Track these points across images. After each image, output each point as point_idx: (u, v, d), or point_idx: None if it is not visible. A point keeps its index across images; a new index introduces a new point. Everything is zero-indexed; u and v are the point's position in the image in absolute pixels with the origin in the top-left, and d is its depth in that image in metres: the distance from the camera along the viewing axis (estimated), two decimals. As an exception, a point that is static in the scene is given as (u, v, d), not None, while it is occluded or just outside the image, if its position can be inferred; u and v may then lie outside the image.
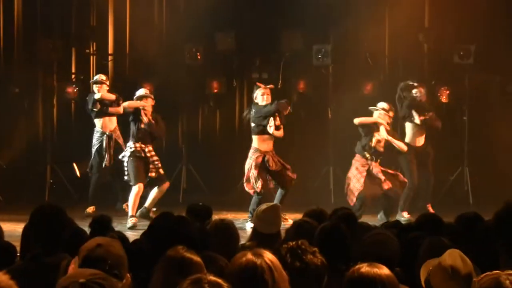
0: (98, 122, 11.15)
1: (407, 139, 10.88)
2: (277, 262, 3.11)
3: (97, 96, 10.94)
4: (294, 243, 3.57)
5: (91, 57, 13.72)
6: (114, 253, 3.42)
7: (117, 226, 7.10)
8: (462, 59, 12.84)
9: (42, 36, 13.07)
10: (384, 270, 3.21)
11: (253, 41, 13.40)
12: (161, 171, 10.36)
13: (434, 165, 11.14)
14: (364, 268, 3.20)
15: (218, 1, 12.70)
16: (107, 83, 11.19)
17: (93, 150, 11.13)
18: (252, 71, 13.35)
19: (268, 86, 10.46)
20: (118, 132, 11.19)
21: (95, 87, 11.06)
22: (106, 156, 11.01)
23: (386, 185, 10.31)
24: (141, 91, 10.56)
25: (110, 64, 13.70)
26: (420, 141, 10.92)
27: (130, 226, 9.92)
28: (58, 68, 13.14)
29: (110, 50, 13.72)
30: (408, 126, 10.96)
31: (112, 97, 11.04)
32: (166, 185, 10.44)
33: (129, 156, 10.29)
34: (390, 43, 13.41)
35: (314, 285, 3.44)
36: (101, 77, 11.20)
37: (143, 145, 10.33)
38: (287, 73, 13.17)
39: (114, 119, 11.20)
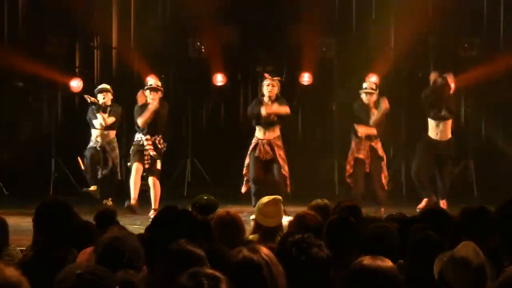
0: (92, 131, 10.93)
1: (429, 132, 10.79)
2: (273, 257, 3.12)
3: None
4: (299, 236, 3.58)
5: (95, 51, 13.75)
6: (131, 245, 3.46)
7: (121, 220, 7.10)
8: (467, 51, 12.88)
9: (47, 30, 13.11)
10: (386, 263, 3.22)
11: (258, 34, 13.40)
12: (156, 164, 10.38)
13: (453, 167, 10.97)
14: (367, 260, 3.22)
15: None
16: (112, 91, 10.90)
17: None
18: (256, 64, 13.36)
19: (275, 78, 10.45)
20: (114, 144, 10.93)
21: (100, 96, 10.77)
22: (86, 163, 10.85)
23: (367, 168, 10.47)
24: (150, 82, 10.57)
25: (113, 57, 13.72)
26: (437, 135, 10.69)
27: (127, 204, 10.17)
28: (62, 61, 13.16)
29: (114, 44, 13.73)
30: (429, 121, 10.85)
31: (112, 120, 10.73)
32: (153, 179, 10.41)
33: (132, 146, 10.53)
34: (395, 35, 13.40)
35: (319, 279, 3.45)
36: (105, 86, 10.95)
37: (143, 136, 10.39)
38: (291, 66, 13.18)
39: (110, 132, 10.89)
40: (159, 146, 10.47)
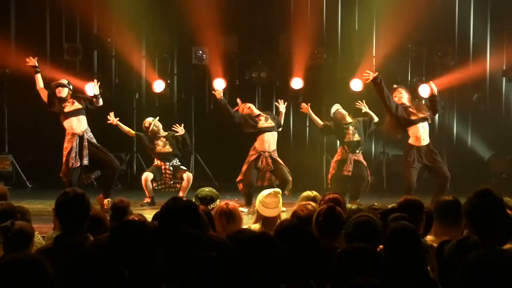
0: (66, 124, 10.15)
1: (410, 140, 9.91)
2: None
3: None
4: (291, 224, 3.60)
5: (111, 59, 13.75)
6: (141, 231, 3.49)
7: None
8: (441, 59, 12.91)
9: (66, 40, 13.12)
10: (370, 248, 3.25)
11: (254, 44, 13.43)
12: (175, 184, 10.63)
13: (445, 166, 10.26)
14: (352, 246, 3.24)
15: (222, 8, 12.73)
16: (70, 87, 10.22)
17: (65, 153, 10.10)
18: (252, 70, 13.38)
19: (245, 104, 10.51)
20: (90, 133, 10.16)
21: (57, 90, 10.05)
22: (75, 156, 10.00)
23: (346, 172, 10.33)
24: (152, 123, 10.67)
25: (126, 64, 13.73)
26: (421, 141, 9.84)
27: (142, 203, 10.29)
28: (81, 68, 13.17)
29: (127, 52, 13.73)
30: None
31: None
32: (184, 183, 10.55)
33: None
34: (377, 45, 13.43)
35: (308, 263, 3.46)
36: (63, 81, 10.25)
37: (161, 163, 10.61)
38: (284, 72, 13.20)
39: (83, 119, 10.12)
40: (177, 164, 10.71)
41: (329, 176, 10.67)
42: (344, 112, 10.42)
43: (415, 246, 3.68)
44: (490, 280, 2.74)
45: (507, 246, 3.80)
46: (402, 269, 3.56)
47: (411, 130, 9.93)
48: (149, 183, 10.46)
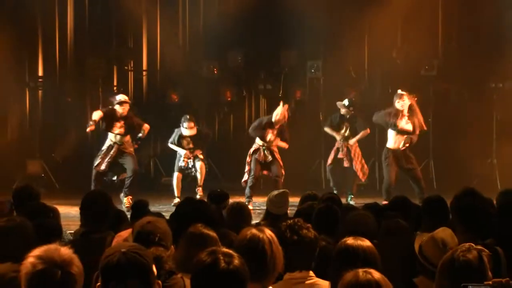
0: (109, 134, 10.25)
1: (388, 144, 10.10)
2: (275, 237, 3.14)
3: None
4: (291, 220, 3.60)
5: (129, 72, 13.77)
6: (161, 228, 3.48)
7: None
8: (427, 71, 12.88)
9: (89, 56, 13.14)
10: (366, 242, 3.24)
11: (258, 58, 13.43)
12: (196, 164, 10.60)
13: (420, 169, 10.43)
14: (350, 240, 3.23)
15: (229, 26, 12.74)
16: (129, 102, 10.35)
17: (100, 154, 10.23)
18: (257, 83, 13.38)
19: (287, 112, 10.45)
20: (126, 145, 10.14)
21: (119, 107, 10.04)
22: (100, 160, 10.09)
23: (345, 163, 10.51)
24: (184, 121, 10.58)
25: (144, 78, 13.76)
26: (397, 145, 9.95)
27: (174, 203, 10.13)
28: (103, 82, 13.18)
29: (144, 67, 13.77)
30: (390, 132, 10.10)
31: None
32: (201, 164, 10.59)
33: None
34: (369, 58, 13.42)
35: (308, 255, 3.46)
36: (124, 97, 10.22)
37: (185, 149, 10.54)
38: (286, 84, 13.20)
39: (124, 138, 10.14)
40: (200, 156, 10.66)
41: (329, 163, 10.72)
42: (350, 111, 10.62)
43: (408, 241, 3.67)
44: (466, 277, 2.72)
45: (488, 241, 3.79)
46: (396, 263, 3.55)
47: (391, 134, 10.04)
48: (180, 183, 10.45)
